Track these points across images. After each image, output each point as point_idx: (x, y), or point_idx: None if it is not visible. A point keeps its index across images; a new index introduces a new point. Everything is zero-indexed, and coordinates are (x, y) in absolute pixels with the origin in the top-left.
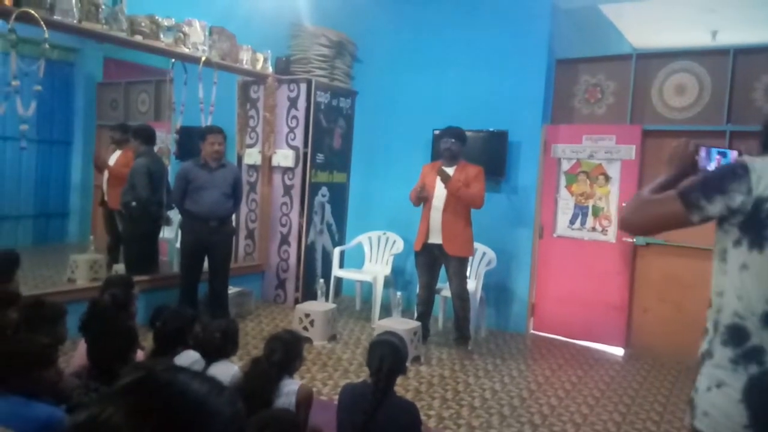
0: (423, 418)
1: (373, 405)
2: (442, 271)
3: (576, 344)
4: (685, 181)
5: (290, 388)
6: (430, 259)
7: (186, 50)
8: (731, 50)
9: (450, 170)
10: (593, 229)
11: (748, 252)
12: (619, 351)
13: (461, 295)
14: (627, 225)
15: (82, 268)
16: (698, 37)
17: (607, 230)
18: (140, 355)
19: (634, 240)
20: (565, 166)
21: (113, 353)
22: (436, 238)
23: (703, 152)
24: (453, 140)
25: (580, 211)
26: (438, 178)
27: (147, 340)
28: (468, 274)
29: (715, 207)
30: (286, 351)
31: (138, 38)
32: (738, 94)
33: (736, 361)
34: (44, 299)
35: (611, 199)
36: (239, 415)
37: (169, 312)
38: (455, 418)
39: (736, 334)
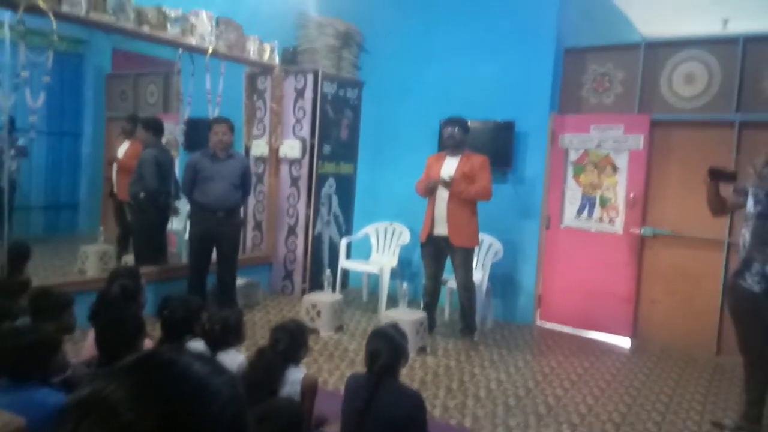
0: (428, 407)
1: (367, 396)
2: (448, 261)
3: (583, 335)
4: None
5: (295, 376)
6: (436, 250)
7: (193, 41)
8: (741, 39)
9: (455, 160)
10: (600, 219)
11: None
12: (626, 342)
13: (467, 286)
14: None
15: (92, 259)
16: (709, 26)
17: (614, 221)
18: (148, 344)
19: (641, 231)
20: (573, 156)
21: (121, 342)
22: (441, 230)
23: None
24: (456, 128)
25: (588, 202)
26: (442, 169)
27: (155, 330)
28: (474, 265)
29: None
30: (291, 340)
31: (145, 29)
32: (748, 84)
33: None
34: (50, 289)
35: (619, 189)
36: (239, 397)
37: (176, 301)
38: (460, 408)
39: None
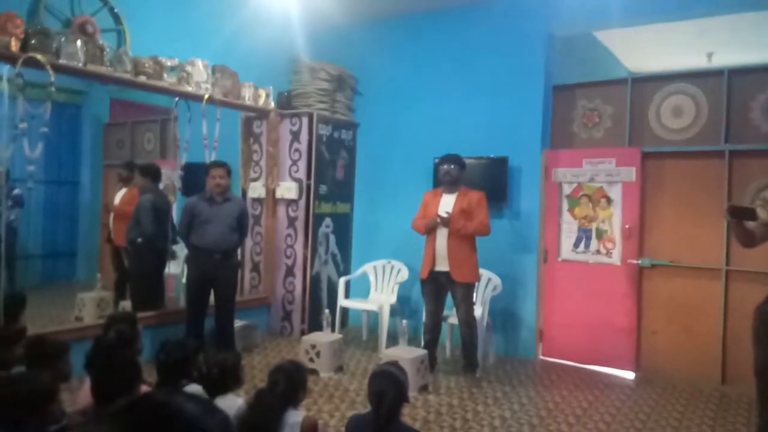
0: None
1: None
2: (449, 298)
3: (586, 369)
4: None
5: (295, 419)
6: (437, 286)
7: (189, 89)
8: (725, 71)
9: (451, 197)
10: (598, 251)
11: None
12: (629, 375)
13: (468, 321)
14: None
15: (89, 306)
16: (694, 60)
17: (611, 252)
18: (145, 390)
19: (639, 262)
20: (567, 189)
21: (117, 389)
22: (442, 266)
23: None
24: (453, 165)
25: (584, 234)
26: (440, 206)
27: (152, 376)
28: (474, 300)
29: None
30: (289, 382)
31: (142, 79)
32: (735, 114)
33: None
34: (46, 337)
35: (614, 221)
36: None
37: (172, 343)
38: None
39: None
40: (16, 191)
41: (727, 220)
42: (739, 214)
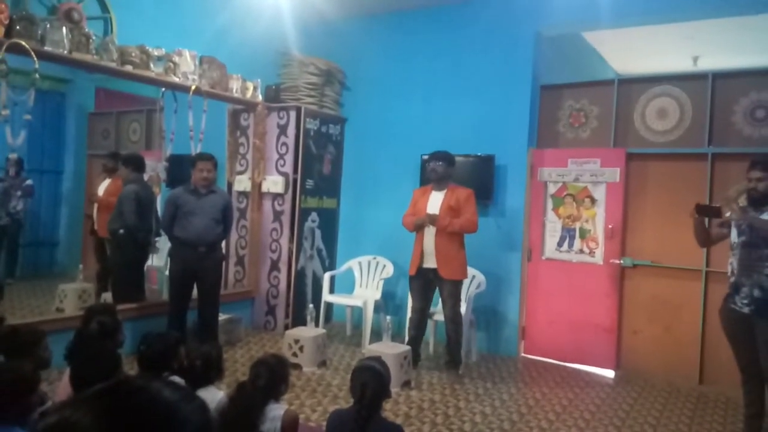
0: None
1: (358, 430)
2: (435, 296)
3: (567, 367)
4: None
5: (276, 413)
6: (425, 282)
7: (176, 79)
8: (710, 75)
9: (440, 194)
10: (581, 251)
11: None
12: (609, 373)
13: (454, 318)
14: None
15: (70, 297)
16: (680, 63)
17: (594, 252)
18: None
19: (621, 262)
20: (552, 189)
21: (96, 380)
22: (430, 263)
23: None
24: (440, 162)
25: (568, 234)
26: (428, 203)
27: (133, 370)
28: (461, 297)
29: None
30: (271, 375)
31: (128, 68)
32: (718, 118)
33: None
34: (19, 327)
35: (598, 221)
36: (209, 424)
37: (153, 335)
38: None
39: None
40: (28, 182)
41: (693, 217)
42: (705, 212)
